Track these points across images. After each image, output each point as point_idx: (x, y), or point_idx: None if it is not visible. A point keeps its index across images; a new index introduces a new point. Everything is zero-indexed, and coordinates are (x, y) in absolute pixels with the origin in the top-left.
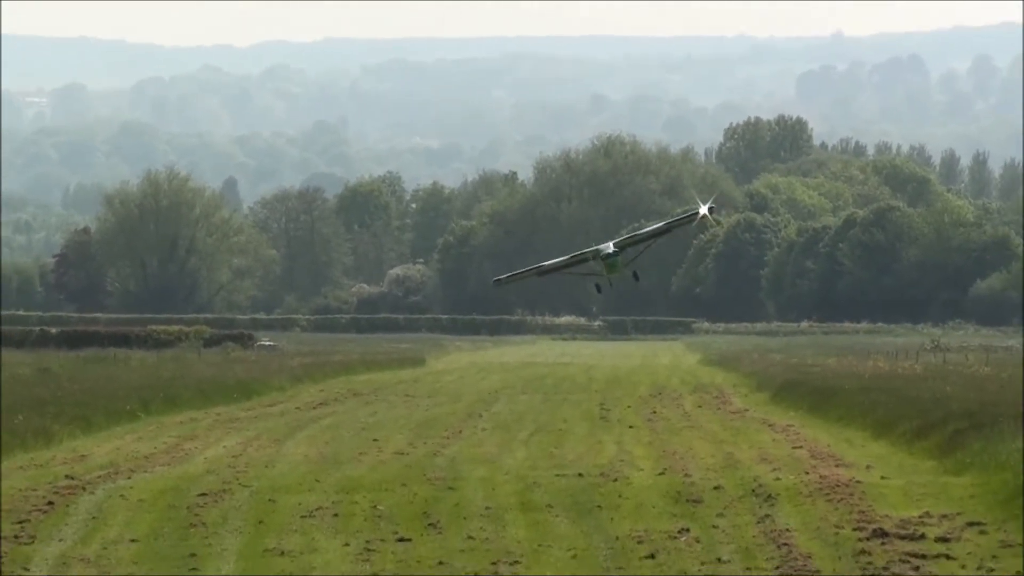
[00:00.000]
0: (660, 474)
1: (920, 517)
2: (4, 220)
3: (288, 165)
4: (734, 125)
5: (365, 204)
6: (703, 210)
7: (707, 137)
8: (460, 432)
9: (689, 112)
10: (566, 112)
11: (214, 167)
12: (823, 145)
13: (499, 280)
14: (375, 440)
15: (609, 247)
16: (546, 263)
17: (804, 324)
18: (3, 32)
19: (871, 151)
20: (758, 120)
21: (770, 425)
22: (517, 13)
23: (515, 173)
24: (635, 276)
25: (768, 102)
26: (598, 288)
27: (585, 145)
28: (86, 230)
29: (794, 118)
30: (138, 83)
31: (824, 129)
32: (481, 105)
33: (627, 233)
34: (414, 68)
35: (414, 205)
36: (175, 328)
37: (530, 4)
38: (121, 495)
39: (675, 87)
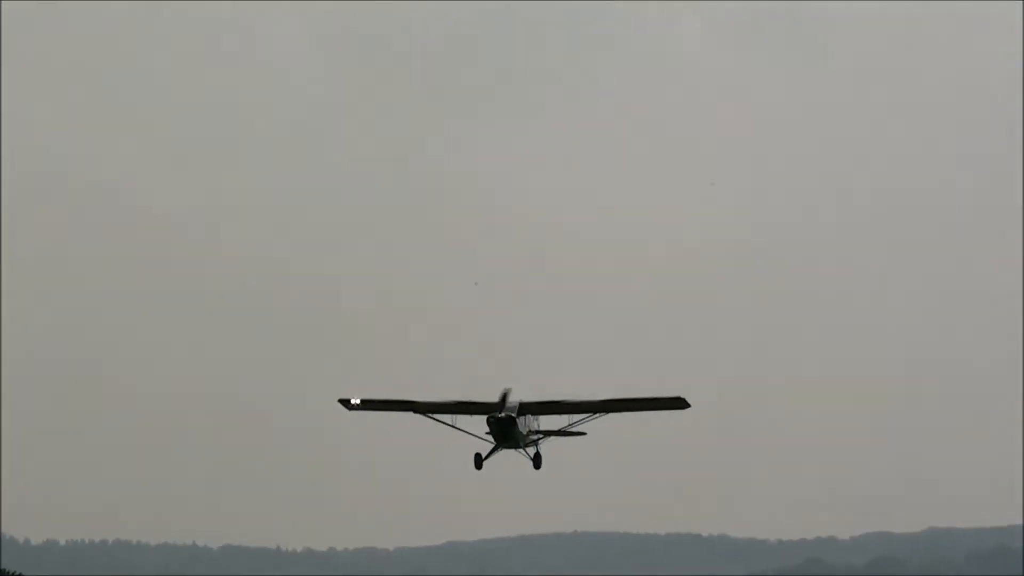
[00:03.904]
0: None
1: None
2: None
3: None
4: None
5: None
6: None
7: None
8: None
9: None
10: None
11: None
12: None
13: (350, 404)
14: None
15: (515, 407)
16: (423, 401)
17: None
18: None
19: None
20: None
21: None
22: None
23: None
24: (535, 462)
25: None
26: (477, 461)
27: None
28: None
29: None
30: None
31: None
32: None
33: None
34: None
35: None
36: None
37: None
38: None
39: None
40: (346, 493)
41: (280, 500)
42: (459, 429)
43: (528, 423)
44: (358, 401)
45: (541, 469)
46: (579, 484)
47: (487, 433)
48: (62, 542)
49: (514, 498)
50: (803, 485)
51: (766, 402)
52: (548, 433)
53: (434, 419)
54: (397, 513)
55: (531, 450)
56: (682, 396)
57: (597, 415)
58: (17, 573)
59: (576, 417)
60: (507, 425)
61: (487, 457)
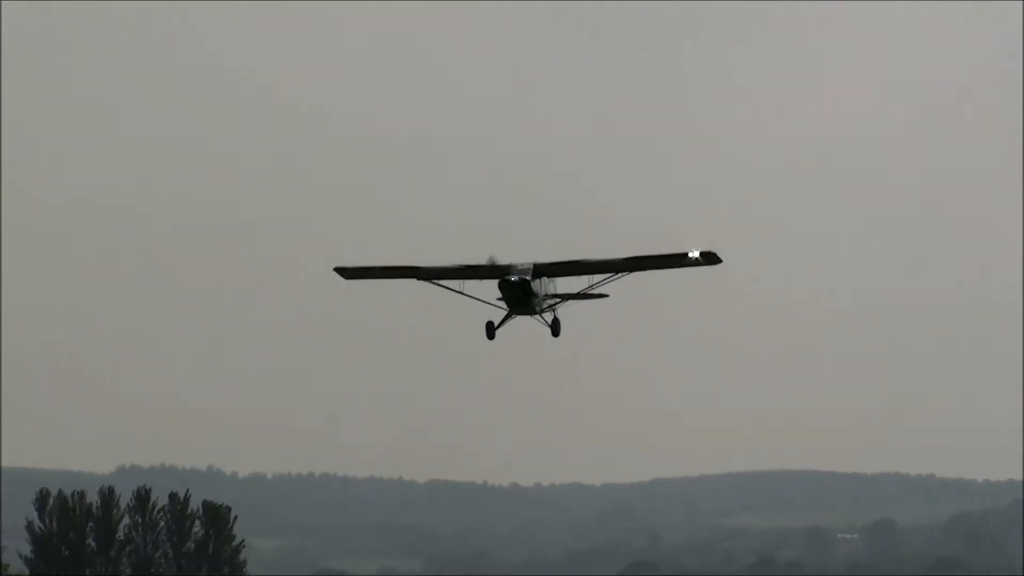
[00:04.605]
0: None
1: None
2: None
3: None
4: None
5: None
6: (694, 253)
7: None
8: None
9: None
10: None
11: None
12: None
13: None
14: None
15: (529, 269)
16: (426, 266)
17: None
18: None
19: None
20: None
21: None
22: None
23: None
24: (553, 328)
25: None
26: (489, 330)
27: None
28: None
29: None
30: (951, 518)
31: None
32: None
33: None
34: None
35: None
36: None
37: None
38: None
39: None
40: (554, 428)
41: (487, 435)
42: (467, 295)
43: (544, 286)
44: (355, 268)
45: (558, 335)
46: (785, 422)
47: (499, 299)
48: (269, 475)
49: (720, 436)
50: (1012, 424)
51: (984, 340)
52: (566, 297)
53: (439, 285)
54: (604, 449)
55: (548, 316)
56: (712, 251)
57: (620, 275)
58: (225, 505)
59: (597, 277)
60: (521, 289)
61: (499, 326)
